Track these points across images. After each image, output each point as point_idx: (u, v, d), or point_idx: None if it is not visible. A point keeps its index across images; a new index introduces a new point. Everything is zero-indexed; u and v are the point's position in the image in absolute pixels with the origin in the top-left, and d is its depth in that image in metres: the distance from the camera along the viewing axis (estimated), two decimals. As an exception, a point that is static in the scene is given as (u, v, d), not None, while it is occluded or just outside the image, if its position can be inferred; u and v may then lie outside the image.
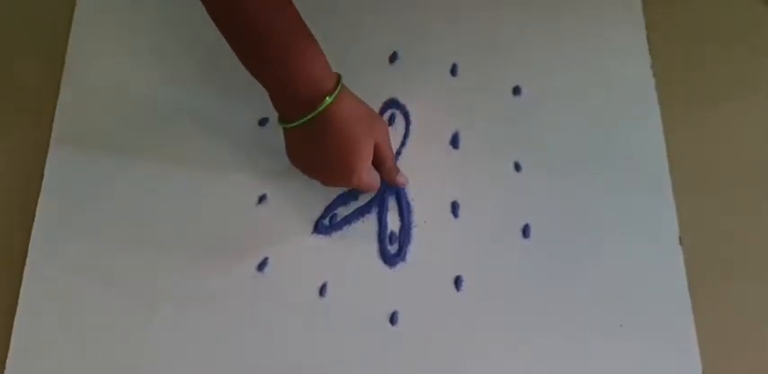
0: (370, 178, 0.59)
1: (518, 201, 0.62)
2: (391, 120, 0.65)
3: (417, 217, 0.62)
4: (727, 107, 0.66)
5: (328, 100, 0.54)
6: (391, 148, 0.60)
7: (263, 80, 0.56)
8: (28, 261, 0.61)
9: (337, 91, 0.55)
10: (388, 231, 0.61)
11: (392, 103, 0.65)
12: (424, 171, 0.63)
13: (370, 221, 0.62)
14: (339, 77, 0.56)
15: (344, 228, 0.61)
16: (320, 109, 0.54)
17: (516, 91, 0.66)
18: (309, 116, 0.54)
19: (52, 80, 0.67)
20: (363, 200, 0.62)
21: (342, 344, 0.58)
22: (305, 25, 0.55)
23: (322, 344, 0.58)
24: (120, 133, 0.65)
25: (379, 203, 0.62)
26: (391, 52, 0.67)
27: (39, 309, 0.59)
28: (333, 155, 0.56)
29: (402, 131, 0.65)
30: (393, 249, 0.61)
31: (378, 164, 0.59)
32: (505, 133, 0.64)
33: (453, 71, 0.67)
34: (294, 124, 0.56)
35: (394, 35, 0.68)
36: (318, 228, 0.61)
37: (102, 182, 0.63)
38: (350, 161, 0.56)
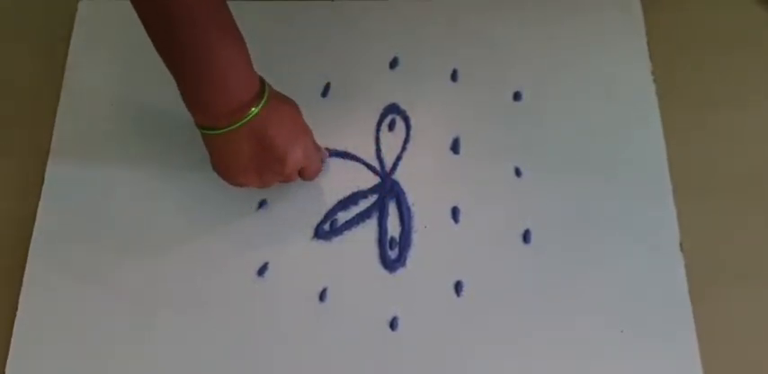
0: (318, 156, 0.59)
1: (519, 207, 0.62)
2: (392, 125, 0.65)
3: (417, 222, 0.62)
4: (728, 112, 0.66)
5: (254, 111, 0.52)
6: (316, 155, 0.59)
7: (180, 81, 0.53)
8: (28, 265, 0.60)
9: (263, 101, 0.53)
10: (389, 236, 0.61)
11: (393, 108, 0.66)
12: (424, 176, 0.63)
13: (370, 226, 0.62)
14: (263, 83, 0.54)
15: (345, 233, 0.61)
16: (244, 121, 0.52)
17: (517, 96, 0.66)
18: (233, 127, 0.52)
19: (53, 84, 0.67)
20: (364, 205, 0.62)
21: (342, 349, 0.58)
22: (233, 27, 0.52)
23: (322, 349, 0.58)
24: (121, 138, 0.65)
25: (379, 208, 0.62)
26: (392, 57, 0.67)
27: (38, 314, 0.59)
28: (275, 146, 0.54)
29: (403, 136, 0.65)
30: (393, 254, 0.61)
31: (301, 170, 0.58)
32: (506, 138, 0.64)
33: (454, 76, 0.67)
34: (214, 132, 0.53)
35: (394, 40, 0.68)
36: (319, 233, 0.61)
37: (102, 187, 0.63)
38: (296, 141, 0.55)
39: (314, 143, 0.59)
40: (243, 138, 0.53)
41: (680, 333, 0.58)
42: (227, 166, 0.57)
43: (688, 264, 0.60)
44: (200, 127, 0.55)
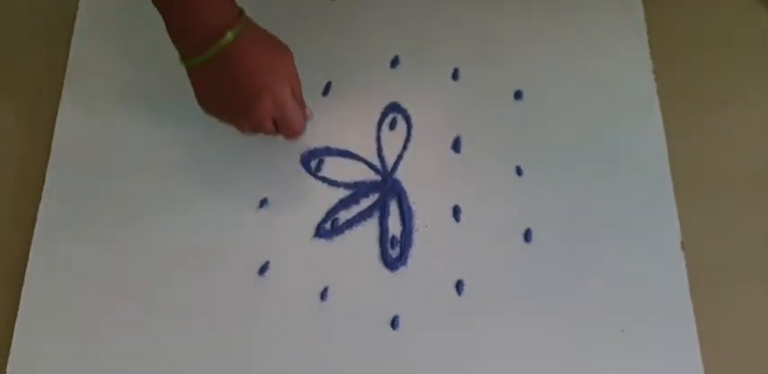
0: (294, 111, 0.55)
1: (520, 206, 0.62)
2: (393, 124, 0.65)
3: (419, 221, 0.62)
4: (729, 111, 0.66)
5: (229, 36, 0.51)
6: (294, 108, 0.55)
7: (161, 10, 0.52)
8: (29, 264, 0.60)
9: (239, 26, 0.51)
10: (390, 235, 0.61)
11: (394, 107, 0.66)
12: (425, 175, 0.63)
13: (371, 225, 0.62)
14: (241, 11, 0.53)
15: (346, 232, 0.61)
16: (215, 49, 0.51)
17: (518, 95, 0.66)
18: (209, 54, 0.51)
19: (54, 83, 0.67)
20: (365, 204, 0.62)
21: (343, 348, 0.58)
22: None
23: (323, 348, 0.58)
24: (121, 137, 0.65)
25: (380, 207, 0.62)
26: (393, 56, 0.67)
27: (39, 313, 0.59)
28: (246, 87, 0.52)
29: (404, 135, 0.65)
30: (394, 253, 0.61)
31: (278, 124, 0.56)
32: (507, 137, 0.64)
33: (455, 75, 0.67)
34: (194, 62, 0.53)
35: (395, 39, 0.68)
36: (320, 232, 0.61)
37: (103, 186, 0.63)
38: (267, 87, 0.53)
39: (293, 95, 0.55)
40: (216, 70, 0.52)
41: (681, 332, 0.58)
42: (201, 99, 0.55)
43: (689, 263, 0.60)
44: (182, 58, 0.54)
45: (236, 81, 0.52)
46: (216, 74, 0.53)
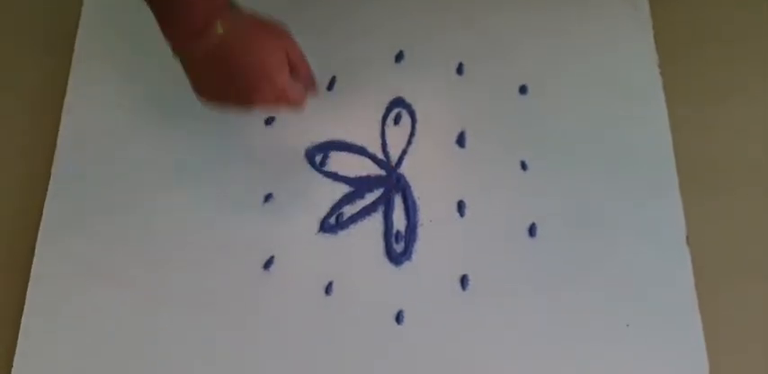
0: (294, 92, 0.55)
1: (524, 200, 0.62)
2: (397, 118, 0.65)
3: (423, 216, 0.62)
4: (735, 106, 0.66)
5: (219, 28, 0.51)
6: (302, 55, 0.56)
7: (151, 6, 0.52)
8: (34, 262, 0.61)
9: (230, 17, 0.51)
10: (394, 230, 0.61)
11: (398, 102, 0.65)
12: (430, 170, 0.63)
13: (375, 220, 0.62)
14: (230, 1, 0.52)
15: (350, 227, 0.61)
16: (205, 42, 0.51)
17: (523, 90, 0.66)
18: (199, 47, 0.51)
19: (59, 83, 0.67)
20: (369, 199, 0.62)
21: (347, 343, 0.58)
22: None
23: (327, 343, 0.58)
24: (126, 134, 0.65)
25: (385, 202, 0.62)
26: (397, 51, 0.67)
27: (45, 311, 0.59)
28: (242, 77, 0.52)
29: (408, 130, 0.65)
30: (399, 248, 0.61)
31: (293, 73, 0.55)
32: (512, 132, 0.64)
33: (459, 70, 0.67)
34: (184, 55, 0.53)
35: (400, 34, 0.68)
36: (324, 227, 0.61)
37: (107, 182, 0.63)
38: (263, 77, 0.53)
39: (296, 64, 0.55)
40: (209, 62, 0.52)
41: (686, 327, 0.58)
42: (198, 90, 0.55)
43: (694, 258, 0.60)
44: (173, 52, 0.54)
45: (231, 72, 0.52)
46: (209, 66, 0.52)
